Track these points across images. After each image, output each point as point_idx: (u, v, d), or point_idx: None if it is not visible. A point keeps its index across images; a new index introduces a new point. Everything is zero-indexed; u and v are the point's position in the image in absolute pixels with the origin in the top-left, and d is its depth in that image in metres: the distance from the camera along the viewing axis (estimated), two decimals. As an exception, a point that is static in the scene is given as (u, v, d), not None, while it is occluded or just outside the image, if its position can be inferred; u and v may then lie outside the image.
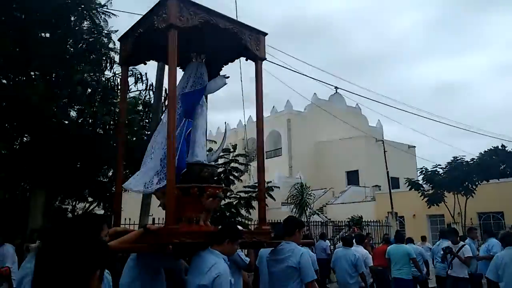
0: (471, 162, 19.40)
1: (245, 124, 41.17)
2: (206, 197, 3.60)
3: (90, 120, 8.02)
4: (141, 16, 3.94)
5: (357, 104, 40.13)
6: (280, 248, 3.79)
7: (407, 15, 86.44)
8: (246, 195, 10.28)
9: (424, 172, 19.63)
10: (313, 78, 30.93)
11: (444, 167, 19.31)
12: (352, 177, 34.41)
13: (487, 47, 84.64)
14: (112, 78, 8.64)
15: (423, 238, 14.74)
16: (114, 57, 8.12)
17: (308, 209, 18.00)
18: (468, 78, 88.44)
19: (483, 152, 45.42)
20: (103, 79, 8.22)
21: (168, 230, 3.12)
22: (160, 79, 5.69)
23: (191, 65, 4.14)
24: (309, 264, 3.69)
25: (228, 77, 4.39)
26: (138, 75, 8.84)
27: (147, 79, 8.90)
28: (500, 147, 46.53)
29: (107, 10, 7.60)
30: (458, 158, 19.07)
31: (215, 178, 4.18)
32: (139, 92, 8.91)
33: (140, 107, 9.30)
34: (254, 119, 4.49)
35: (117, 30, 7.53)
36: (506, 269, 4.82)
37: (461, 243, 7.97)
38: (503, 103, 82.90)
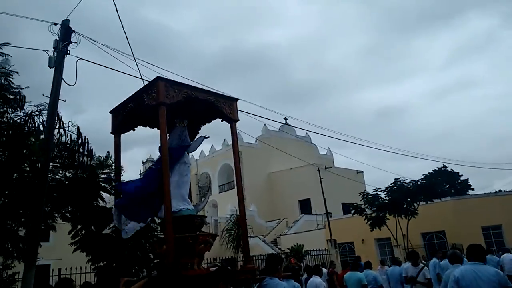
0: (411, 184, 19.99)
1: (197, 159, 40.81)
2: (198, 244, 4.14)
3: None
4: (131, 94, 4.63)
5: (306, 133, 40.92)
6: (265, 284, 4.10)
7: (340, 44, 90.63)
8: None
9: (365, 196, 20.01)
10: (264, 108, 31.34)
11: (384, 190, 19.81)
12: (305, 206, 34.58)
13: (420, 71, 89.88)
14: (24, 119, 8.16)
15: (382, 262, 14.75)
16: (24, 97, 7.73)
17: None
18: (407, 103, 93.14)
19: (427, 174, 47.52)
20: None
21: (171, 277, 3.59)
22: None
23: (175, 129, 4.80)
24: None
25: (208, 137, 5.08)
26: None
27: (60, 117, 8.47)
28: (442, 168, 48.98)
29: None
30: (398, 180, 19.62)
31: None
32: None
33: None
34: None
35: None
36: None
37: (421, 265, 8.32)
38: (442, 125, 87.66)
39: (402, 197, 19.02)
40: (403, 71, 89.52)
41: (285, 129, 38.85)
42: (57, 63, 6.58)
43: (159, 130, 4.63)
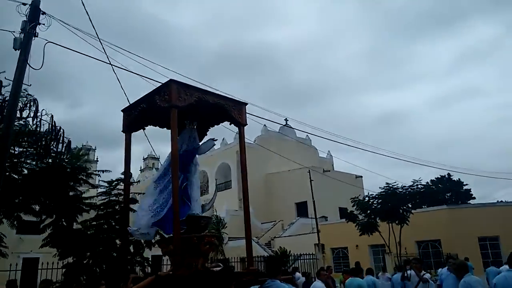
0: (404, 190, 19.50)
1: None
2: (203, 244, 4.31)
3: None
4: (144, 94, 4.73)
5: (307, 135, 40.53)
6: (267, 286, 4.14)
7: (342, 46, 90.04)
8: None
9: (357, 201, 19.60)
10: (263, 109, 31.05)
11: (376, 195, 19.38)
12: (301, 209, 34.18)
13: (424, 78, 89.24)
14: None
15: (383, 269, 14.39)
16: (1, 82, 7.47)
17: (223, 244, 17.73)
18: (410, 109, 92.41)
19: (429, 181, 46.95)
20: None
21: (177, 276, 3.72)
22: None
23: (185, 130, 4.95)
24: None
25: (216, 139, 5.37)
26: (27, 102, 8.09)
27: (36, 106, 8.18)
28: (446, 176, 48.38)
29: None
30: (390, 186, 19.16)
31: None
32: (25, 120, 8.17)
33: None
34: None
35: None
36: None
37: (423, 272, 8.83)
38: (446, 133, 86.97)
39: (395, 203, 18.55)
40: (406, 76, 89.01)
41: (285, 131, 38.49)
42: (23, 45, 6.29)
43: (169, 130, 5.00)
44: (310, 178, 25.47)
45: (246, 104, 5.09)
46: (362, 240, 22.15)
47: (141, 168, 71.40)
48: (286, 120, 37.24)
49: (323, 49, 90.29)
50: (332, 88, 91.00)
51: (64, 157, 8.12)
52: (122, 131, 5.17)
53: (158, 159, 77.67)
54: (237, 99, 5.00)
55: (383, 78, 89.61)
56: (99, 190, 9.47)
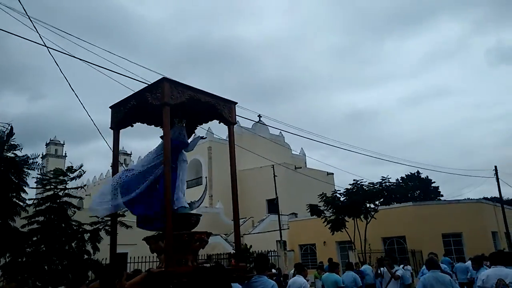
0: (372, 187, 19.40)
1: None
2: (194, 241, 4.33)
3: None
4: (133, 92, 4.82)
5: (280, 132, 40.38)
6: (254, 281, 4.35)
7: (311, 42, 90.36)
8: (92, 227, 8.97)
9: (323, 197, 19.42)
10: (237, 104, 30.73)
11: (343, 192, 19.26)
12: (272, 205, 33.95)
13: (392, 76, 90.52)
14: None
15: (356, 265, 14.20)
16: None
17: None
18: (378, 107, 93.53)
19: (399, 178, 47.62)
20: None
21: (169, 272, 3.78)
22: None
23: (174, 128, 4.90)
24: None
25: (204, 137, 6.36)
26: None
27: None
28: (415, 174, 49.16)
29: None
30: (357, 182, 19.06)
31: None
32: None
33: None
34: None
35: None
36: None
37: (395, 267, 9.13)
38: (414, 132, 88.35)
39: (361, 199, 18.46)
40: (376, 74, 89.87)
41: (258, 127, 38.21)
42: None
43: (157, 127, 5.31)
44: (274, 174, 25.24)
45: (235, 103, 5.18)
46: (330, 237, 22.06)
47: (111, 164, 70.05)
48: (259, 116, 37.00)
49: (293, 45, 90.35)
50: (302, 85, 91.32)
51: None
52: (110, 128, 5.17)
53: (130, 155, 76.38)
54: (227, 98, 5.07)
55: (353, 75, 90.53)
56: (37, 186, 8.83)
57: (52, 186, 8.79)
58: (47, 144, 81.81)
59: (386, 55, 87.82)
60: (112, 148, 5.43)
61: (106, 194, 4.62)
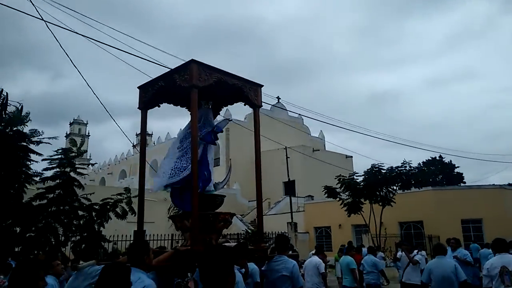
0: (391, 171, 19.20)
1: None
2: (218, 221, 4.46)
3: None
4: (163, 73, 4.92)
5: (299, 114, 40.13)
6: (275, 260, 4.61)
7: (331, 21, 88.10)
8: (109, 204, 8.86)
9: (341, 179, 19.35)
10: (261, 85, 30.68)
11: (362, 175, 19.15)
12: (289, 187, 34.06)
13: (415, 57, 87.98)
14: None
15: (377, 248, 14.27)
16: None
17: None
18: (401, 89, 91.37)
19: (421, 163, 46.95)
20: None
21: (195, 251, 3.88)
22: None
23: (201, 110, 4.95)
24: (298, 273, 4.62)
25: (231, 120, 6.69)
26: None
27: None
28: (437, 158, 48.37)
29: None
30: (375, 166, 18.90)
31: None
32: None
33: None
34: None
35: None
36: (434, 273, 6.12)
37: (414, 252, 9.22)
38: (438, 115, 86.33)
39: (378, 183, 18.29)
40: (397, 55, 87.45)
41: (276, 109, 38.05)
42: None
43: (183, 108, 5.45)
44: (286, 156, 25.26)
45: (262, 86, 5.23)
46: (346, 220, 22.08)
47: (133, 144, 71.09)
48: (278, 98, 36.87)
49: (312, 25, 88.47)
50: (322, 66, 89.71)
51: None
52: (138, 108, 5.26)
53: (151, 135, 77.29)
54: (253, 81, 5.12)
55: (373, 56, 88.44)
56: (50, 160, 8.75)
57: (59, 163, 8.60)
58: (71, 124, 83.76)
59: (408, 35, 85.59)
60: (140, 128, 5.44)
61: (165, 172, 4.83)
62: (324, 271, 8.01)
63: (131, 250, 3.49)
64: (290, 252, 5.40)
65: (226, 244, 4.80)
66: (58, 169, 8.34)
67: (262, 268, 4.79)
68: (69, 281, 4.12)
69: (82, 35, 8.16)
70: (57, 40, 7.67)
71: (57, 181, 8.24)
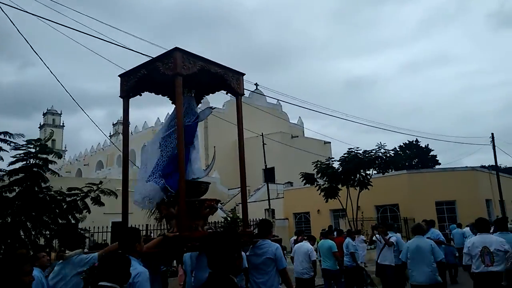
0: (367, 155, 19.51)
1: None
2: (204, 208, 4.51)
3: None
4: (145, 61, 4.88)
5: (278, 101, 40.23)
6: (259, 245, 4.76)
7: (306, 5, 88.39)
8: (72, 197, 8.35)
9: (318, 165, 19.62)
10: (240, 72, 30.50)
11: (338, 160, 19.45)
12: (269, 175, 34.32)
13: (390, 42, 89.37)
14: None
15: (357, 232, 14.49)
16: None
17: None
18: (377, 74, 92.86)
19: (397, 147, 47.97)
20: None
21: (183, 237, 3.99)
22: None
23: (184, 98, 4.82)
24: (281, 255, 4.74)
25: (214, 108, 5.95)
26: None
27: None
28: (414, 142, 49.53)
29: None
30: (352, 150, 19.19)
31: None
32: None
33: None
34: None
35: None
36: (412, 252, 6.42)
37: (390, 234, 9.35)
38: (414, 99, 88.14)
39: (355, 168, 18.63)
40: (373, 40, 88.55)
41: (255, 96, 38.02)
42: None
43: (158, 96, 5.47)
44: (263, 143, 25.44)
45: (243, 74, 5.25)
46: (324, 205, 22.48)
47: (110, 134, 69.83)
48: (256, 85, 36.76)
49: (289, 9, 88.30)
50: (299, 51, 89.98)
51: None
52: (119, 96, 5.17)
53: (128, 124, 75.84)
54: (236, 69, 5.14)
55: (350, 41, 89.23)
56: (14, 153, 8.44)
57: (24, 156, 8.31)
58: (44, 114, 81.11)
59: (384, 20, 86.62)
60: (122, 117, 5.43)
61: (148, 189, 4.56)
62: (315, 258, 8.17)
63: (123, 238, 3.50)
64: (274, 237, 5.54)
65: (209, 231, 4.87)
66: (25, 162, 8.08)
67: (247, 253, 4.87)
68: (56, 270, 4.06)
69: (42, 18, 7.90)
70: (14, 24, 7.44)
71: (21, 174, 7.98)
